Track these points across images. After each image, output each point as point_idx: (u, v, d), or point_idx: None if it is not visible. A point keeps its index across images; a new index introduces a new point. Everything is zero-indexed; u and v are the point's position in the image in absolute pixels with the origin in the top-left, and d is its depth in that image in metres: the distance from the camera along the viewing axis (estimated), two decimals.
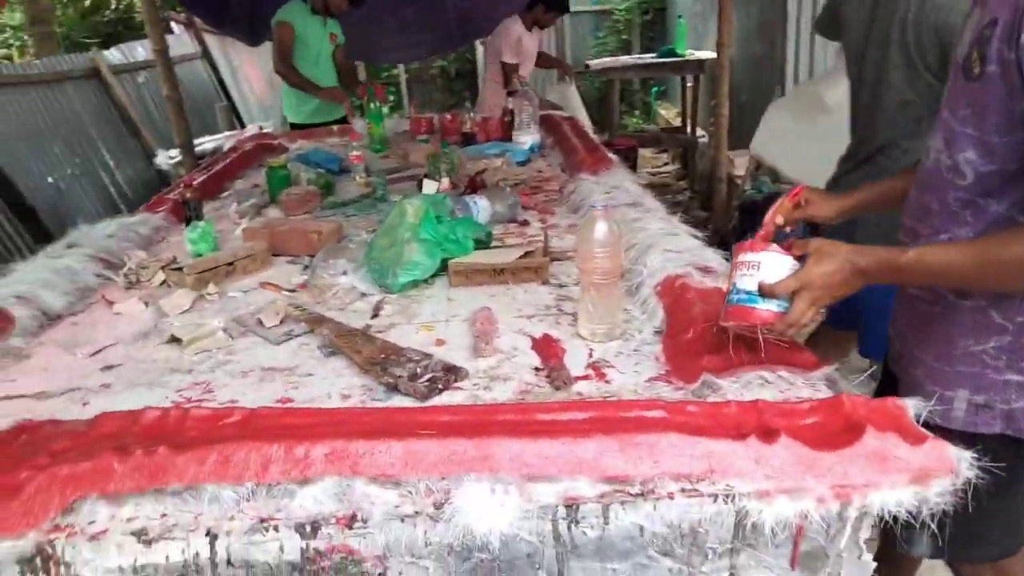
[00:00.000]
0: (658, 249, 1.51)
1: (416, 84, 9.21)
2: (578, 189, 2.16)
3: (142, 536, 0.89)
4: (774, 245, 1.10)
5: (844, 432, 0.92)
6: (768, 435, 0.91)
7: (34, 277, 1.64)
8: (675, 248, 1.51)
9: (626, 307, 1.41)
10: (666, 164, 6.60)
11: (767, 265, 1.06)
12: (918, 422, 0.92)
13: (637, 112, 8.46)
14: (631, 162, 5.09)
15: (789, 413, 0.96)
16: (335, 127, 3.72)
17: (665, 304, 1.33)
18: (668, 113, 7.48)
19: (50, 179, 4.87)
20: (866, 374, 1.32)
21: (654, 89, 8.39)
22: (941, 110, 1.13)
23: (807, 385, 1.08)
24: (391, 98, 8.96)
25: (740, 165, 4.28)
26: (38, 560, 0.88)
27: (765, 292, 1.05)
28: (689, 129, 6.02)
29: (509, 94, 3.46)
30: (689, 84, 6.00)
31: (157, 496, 0.91)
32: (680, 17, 6.26)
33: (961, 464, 0.86)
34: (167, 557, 0.88)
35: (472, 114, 3.21)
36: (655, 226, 1.64)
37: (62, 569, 0.89)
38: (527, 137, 2.86)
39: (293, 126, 4.05)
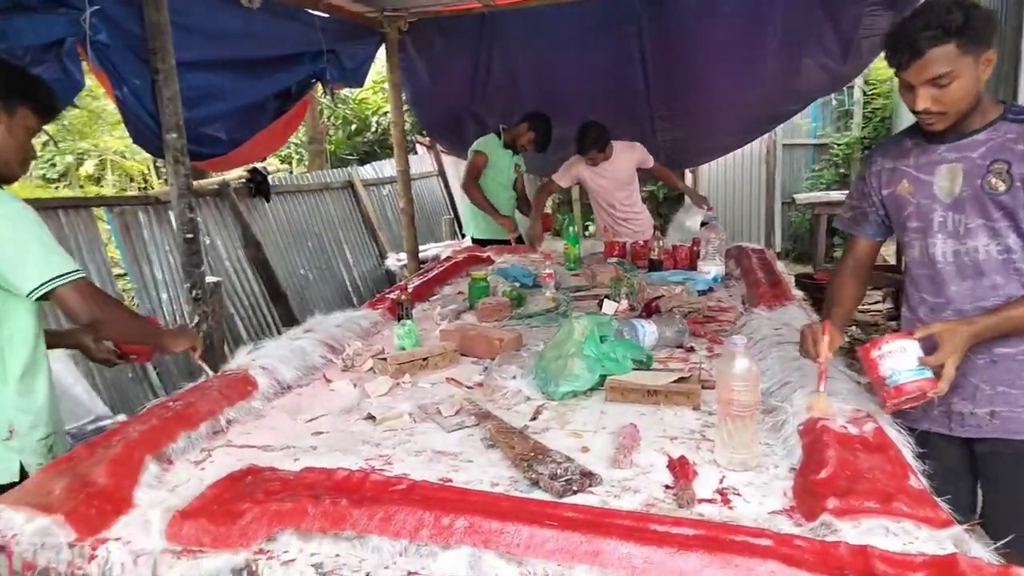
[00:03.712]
0: (808, 390, 1.56)
1: None
2: (749, 323, 2.23)
3: (319, 569, 1.11)
4: (899, 335, 1.47)
5: None
6: None
7: (276, 353, 2.04)
8: (827, 391, 1.55)
9: (768, 441, 1.47)
10: (878, 302, 6.26)
11: (910, 348, 1.43)
12: None
13: None
14: None
15: (897, 563, 0.99)
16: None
17: (804, 444, 1.38)
18: (886, 250, 7.13)
19: (302, 271, 5.76)
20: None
21: None
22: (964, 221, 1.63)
23: (932, 541, 1.08)
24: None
25: None
26: (244, 573, 1.13)
27: (931, 363, 1.42)
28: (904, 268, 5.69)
29: (703, 224, 3.62)
30: None
31: (335, 538, 1.14)
32: None
33: None
34: None
35: (660, 242, 3.39)
36: (812, 366, 1.68)
37: None
38: (711, 267, 2.97)
39: (473, 240, 4.66)
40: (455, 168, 8.44)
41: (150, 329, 1.92)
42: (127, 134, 3.25)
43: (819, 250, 6.24)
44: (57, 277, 1.63)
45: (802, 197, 6.46)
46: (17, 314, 1.70)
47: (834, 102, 8.46)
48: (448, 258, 3.86)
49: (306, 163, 9.32)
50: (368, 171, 7.38)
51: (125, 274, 4.55)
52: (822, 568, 0.98)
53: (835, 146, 8.47)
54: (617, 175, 4.30)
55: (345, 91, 9.68)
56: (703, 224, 3.54)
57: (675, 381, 1.73)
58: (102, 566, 1.18)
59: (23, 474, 1.68)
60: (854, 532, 1.10)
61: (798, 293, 2.62)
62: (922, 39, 1.48)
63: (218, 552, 1.15)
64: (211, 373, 1.90)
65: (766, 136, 7.39)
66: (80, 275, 1.67)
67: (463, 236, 7.23)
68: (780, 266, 3.20)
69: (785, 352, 1.83)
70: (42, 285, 1.62)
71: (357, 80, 4.89)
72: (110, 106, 9.07)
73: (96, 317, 1.69)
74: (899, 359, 1.43)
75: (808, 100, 5.34)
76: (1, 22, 2.46)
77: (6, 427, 1.69)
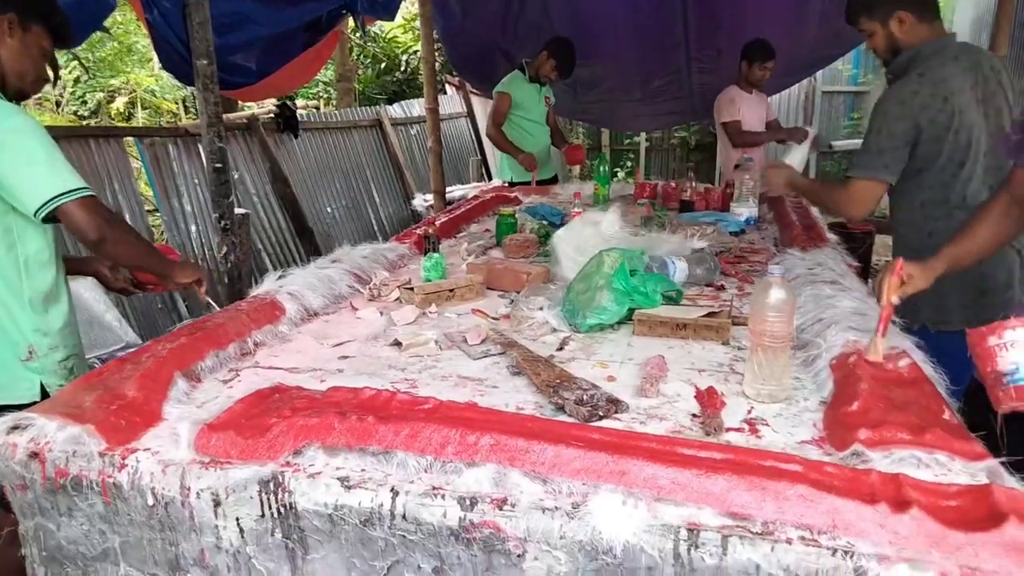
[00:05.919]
0: (842, 327, 1.52)
1: (656, 152, 9.48)
2: (783, 262, 2.17)
3: (345, 482, 1.12)
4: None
5: (984, 519, 0.91)
6: (900, 505, 0.93)
7: (303, 281, 2.04)
8: (860, 327, 1.51)
9: (798, 376, 1.45)
10: None
11: None
12: None
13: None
14: (866, 246, 4.81)
15: (929, 491, 0.97)
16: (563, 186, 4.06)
17: (836, 378, 1.35)
18: None
19: (328, 208, 5.77)
20: None
21: None
22: None
23: (965, 473, 1.06)
24: (628, 163, 9.30)
25: None
26: (271, 484, 1.15)
27: None
28: None
29: (736, 166, 3.53)
30: None
31: (360, 454, 1.15)
32: None
33: None
34: (359, 502, 1.10)
35: (693, 183, 3.32)
36: (846, 304, 1.64)
37: (285, 495, 1.15)
38: (744, 209, 2.91)
39: (510, 183, 4.54)
40: (484, 110, 8.32)
41: (157, 256, 1.88)
42: (157, 70, 3.23)
43: None
44: (64, 193, 1.59)
45: (840, 144, 6.29)
46: (31, 237, 1.70)
47: None
48: (475, 197, 3.83)
49: (334, 102, 9.24)
50: (396, 110, 7.31)
51: (156, 210, 4.59)
52: (853, 494, 0.96)
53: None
54: (766, 111, 4.50)
55: (375, 29, 9.53)
56: (736, 166, 3.45)
57: (704, 316, 1.70)
58: (132, 475, 1.20)
59: (44, 395, 1.71)
60: (885, 462, 1.08)
61: (832, 237, 2.56)
62: None
63: (246, 464, 1.16)
64: (218, 308, 1.88)
65: (805, 82, 7.16)
66: (88, 192, 1.64)
67: (490, 179, 7.18)
68: (814, 211, 3.12)
69: (819, 291, 1.79)
70: (49, 202, 1.58)
71: (389, 13, 4.78)
72: (141, 41, 9.03)
73: (103, 235, 1.65)
74: None
75: (852, 44, 5.14)
76: None
77: (25, 348, 1.72)
